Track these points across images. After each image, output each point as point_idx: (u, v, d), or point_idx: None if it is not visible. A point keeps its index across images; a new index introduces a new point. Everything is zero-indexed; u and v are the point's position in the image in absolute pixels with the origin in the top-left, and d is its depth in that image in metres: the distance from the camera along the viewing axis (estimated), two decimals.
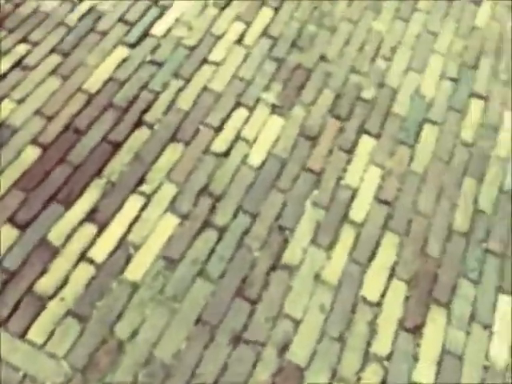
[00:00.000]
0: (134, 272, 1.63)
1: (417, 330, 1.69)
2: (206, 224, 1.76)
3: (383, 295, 1.73)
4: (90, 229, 1.69)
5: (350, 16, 2.43)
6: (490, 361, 1.67)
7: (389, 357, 1.63)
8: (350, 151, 2.03)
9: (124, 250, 1.67)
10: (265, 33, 2.30)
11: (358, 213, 1.89)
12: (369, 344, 1.64)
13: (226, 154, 1.92)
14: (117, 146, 1.87)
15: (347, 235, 1.84)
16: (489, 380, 1.64)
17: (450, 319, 1.72)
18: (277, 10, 2.39)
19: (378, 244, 1.84)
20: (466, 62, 2.37)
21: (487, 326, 1.73)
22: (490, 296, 1.79)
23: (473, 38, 2.47)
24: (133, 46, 2.13)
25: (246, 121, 2.02)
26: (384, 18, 2.45)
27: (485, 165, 2.08)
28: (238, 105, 2.05)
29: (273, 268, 1.72)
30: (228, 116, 2.01)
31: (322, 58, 2.26)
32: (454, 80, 2.30)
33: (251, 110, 2.04)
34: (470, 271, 1.83)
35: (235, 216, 1.79)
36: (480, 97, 2.27)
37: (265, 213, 1.83)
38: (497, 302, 1.78)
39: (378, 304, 1.72)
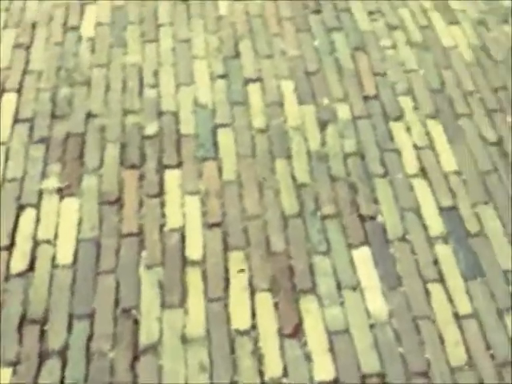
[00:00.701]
0: None
1: (298, 331, 1.66)
2: (43, 356, 1.53)
3: (253, 316, 1.68)
4: None
5: (98, 61, 2.30)
6: (373, 317, 1.71)
7: (284, 373, 1.58)
8: (160, 194, 1.92)
9: None
10: (16, 119, 2.07)
11: (194, 250, 1.80)
12: (261, 373, 1.56)
13: (31, 268, 1.69)
14: None
15: (194, 278, 1.74)
16: (380, 336, 1.68)
17: (322, 301, 1.74)
18: (19, 90, 2.17)
19: (227, 269, 1.78)
20: (227, 53, 2.40)
21: (355, 287, 1.77)
22: (345, 257, 1.83)
23: (224, 29, 2.50)
24: None
25: (37, 221, 1.80)
26: (133, 49, 2.36)
27: (286, 140, 2.13)
28: (20, 209, 1.82)
29: (135, 358, 1.57)
30: (14, 226, 1.78)
31: (89, 115, 2.11)
32: (224, 76, 2.30)
33: (37, 206, 1.84)
34: (317, 245, 1.86)
35: (70, 328, 1.59)
36: (254, 80, 2.31)
37: (101, 305, 1.65)
38: (353, 259, 1.84)
39: (253, 327, 1.66)
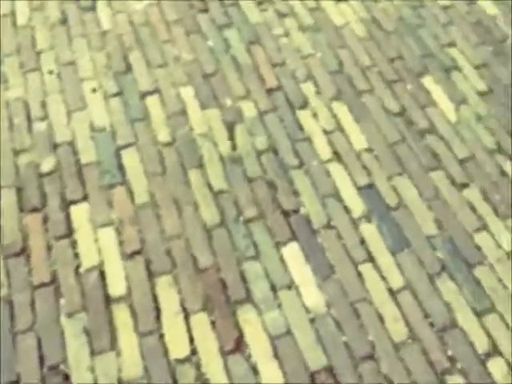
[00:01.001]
0: None
1: (240, 345, 1.61)
2: None
3: (192, 341, 1.61)
4: None
5: None
6: (312, 312, 1.69)
7: None
8: (69, 233, 1.77)
9: None
10: None
11: (117, 286, 1.68)
12: None
13: None
14: None
15: (122, 316, 1.63)
16: (321, 329, 1.66)
17: (259, 308, 1.69)
18: None
19: (155, 297, 1.69)
20: (118, 69, 2.27)
21: (290, 286, 1.74)
22: (275, 257, 1.78)
23: (109, 44, 2.36)
24: None
25: None
26: (14, 82, 2.15)
27: (195, 149, 2.06)
28: None
29: None
30: None
31: None
32: (118, 94, 2.16)
33: None
34: (245, 251, 1.81)
35: None
36: (151, 93, 2.20)
37: (25, 367, 1.50)
38: (283, 257, 1.80)
39: (193, 352, 1.59)
